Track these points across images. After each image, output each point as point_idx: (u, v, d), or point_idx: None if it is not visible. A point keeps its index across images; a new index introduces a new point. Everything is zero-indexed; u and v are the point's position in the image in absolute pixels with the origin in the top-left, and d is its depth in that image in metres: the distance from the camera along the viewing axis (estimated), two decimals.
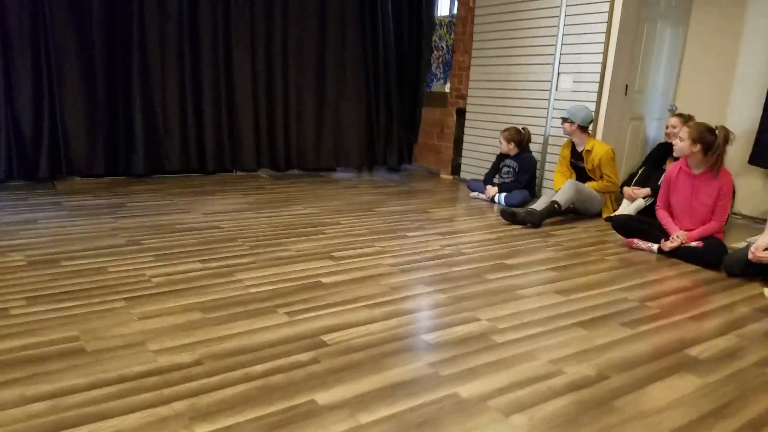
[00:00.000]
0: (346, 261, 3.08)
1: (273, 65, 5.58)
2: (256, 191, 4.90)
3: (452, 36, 6.03)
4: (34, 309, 2.31)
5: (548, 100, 5.02)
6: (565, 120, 4.40)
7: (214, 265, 2.93)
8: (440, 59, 6.26)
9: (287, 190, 5.05)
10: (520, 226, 4.05)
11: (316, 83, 5.84)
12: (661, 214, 3.55)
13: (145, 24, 4.88)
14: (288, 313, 2.37)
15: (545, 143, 5.07)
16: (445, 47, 6.19)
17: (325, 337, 2.15)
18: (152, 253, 3.07)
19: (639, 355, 2.11)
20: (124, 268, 2.83)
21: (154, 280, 2.69)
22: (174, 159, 5.22)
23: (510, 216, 4.08)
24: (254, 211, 4.14)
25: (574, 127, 4.36)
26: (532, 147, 5.03)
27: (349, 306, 2.46)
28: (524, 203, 4.72)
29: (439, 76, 6.30)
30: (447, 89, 6.16)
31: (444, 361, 1.98)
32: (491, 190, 4.92)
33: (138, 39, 4.85)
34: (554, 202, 4.13)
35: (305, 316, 2.35)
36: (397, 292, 2.63)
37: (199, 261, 2.98)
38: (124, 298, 2.45)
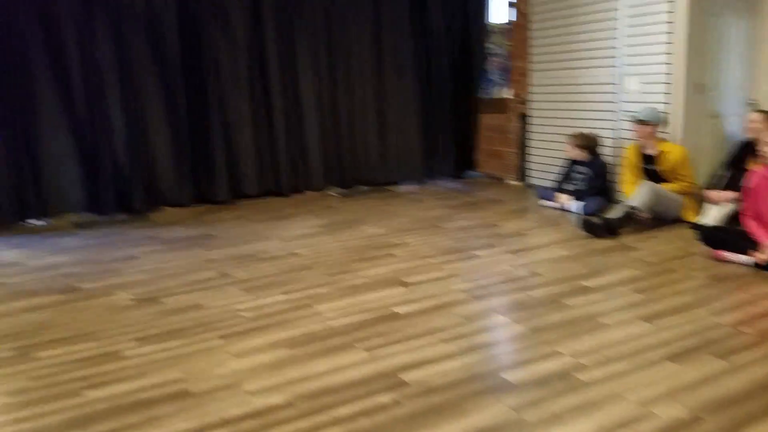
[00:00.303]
0: (418, 287, 3.10)
1: (336, 82, 5.72)
2: (327, 212, 5.00)
3: (509, 42, 5.93)
4: (144, 350, 2.47)
5: (615, 102, 4.84)
6: (643, 123, 4.22)
7: (295, 296, 3.03)
8: (499, 65, 6.17)
9: (355, 208, 5.13)
10: (599, 239, 3.92)
11: (375, 98, 5.92)
12: (750, 224, 3.35)
13: (219, 62, 5.13)
14: (366, 349, 2.41)
15: (616, 147, 4.90)
16: (502, 53, 6.09)
17: (404, 376, 2.18)
18: (241, 286, 3.20)
19: (735, 392, 2.01)
20: (218, 303, 2.97)
21: (245, 314, 2.81)
22: (252, 184, 5.45)
23: (591, 228, 3.95)
24: (327, 234, 4.23)
25: (652, 129, 4.20)
26: (601, 151, 4.86)
27: (425, 340, 2.47)
28: (601, 210, 4.56)
29: (498, 82, 6.21)
30: (508, 95, 6.06)
31: (527, 404, 1.96)
32: (563, 198, 4.80)
33: (213, 75, 5.11)
34: (632, 207, 3.99)
35: (383, 351, 2.38)
36: (472, 323, 2.62)
37: (281, 292, 3.09)
38: (220, 336, 2.59)
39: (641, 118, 4.25)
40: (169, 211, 5.13)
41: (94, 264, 3.67)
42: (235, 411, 1.99)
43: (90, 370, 2.31)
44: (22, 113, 4.52)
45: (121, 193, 4.95)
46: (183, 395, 2.11)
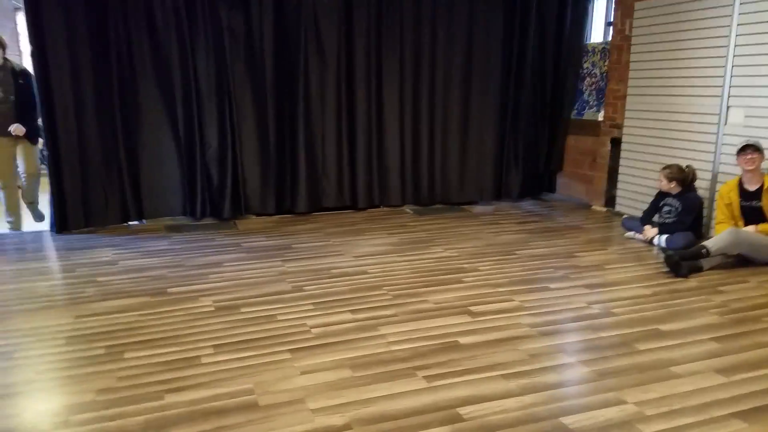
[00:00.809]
0: (484, 318, 3.09)
1: (419, 103, 5.78)
2: (400, 229, 5.07)
3: (606, 63, 5.75)
4: (220, 358, 2.64)
5: (716, 134, 4.58)
6: (756, 150, 3.98)
7: (361, 316, 3.12)
8: (593, 86, 6.00)
9: (429, 227, 5.15)
10: (683, 279, 3.74)
11: (459, 117, 5.93)
12: None
13: (309, 81, 5.34)
14: (426, 378, 2.44)
15: (713, 180, 4.63)
16: (598, 74, 5.91)
17: (461, 410, 2.20)
18: (312, 301, 3.34)
19: None
20: (290, 316, 3.12)
21: (314, 330, 2.93)
22: (331, 197, 5.64)
23: (674, 266, 3.78)
24: (397, 254, 4.29)
25: (761, 160, 3.97)
26: (697, 185, 4.61)
27: (485, 374, 2.47)
28: (688, 247, 4.33)
29: (591, 103, 6.03)
30: (600, 117, 5.88)
31: None
32: (650, 231, 4.59)
33: (303, 93, 5.32)
34: (703, 246, 3.82)
35: (442, 382, 2.41)
36: (536, 361, 2.59)
37: (349, 311, 3.18)
38: (289, 350, 2.72)
39: (755, 144, 3.99)
40: (254, 220, 5.40)
41: (182, 268, 3.94)
42: (297, 428, 2.09)
43: (171, 374, 2.49)
44: (128, 123, 4.93)
45: (212, 201, 5.27)
46: (251, 407, 2.24)
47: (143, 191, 5.09)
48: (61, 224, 4.80)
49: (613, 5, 5.66)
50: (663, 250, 4.24)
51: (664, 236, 4.46)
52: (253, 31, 5.12)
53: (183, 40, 4.91)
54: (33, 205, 5.05)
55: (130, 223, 5.14)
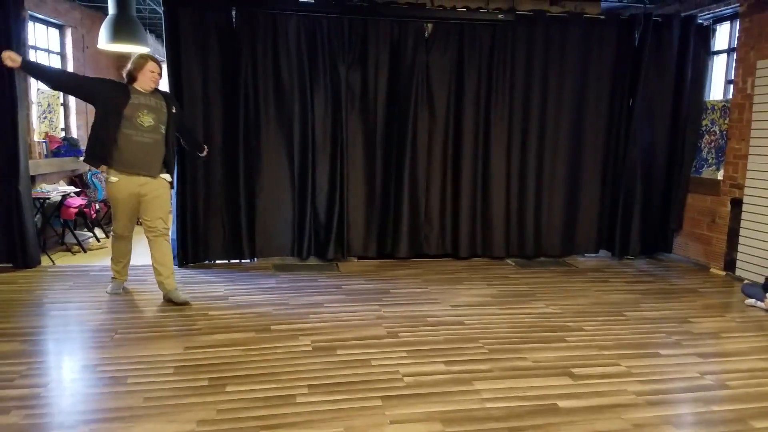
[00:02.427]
0: (586, 381, 2.95)
1: (526, 156, 5.72)
2: (502, 281, 4.98)
3: (726, 121, 5.45)
4: (314, 399, 2.72)
5: None
6: None
7: (456, 368, 3.08)
8: (712, 144, 5.67)
9: (531, 281, 5.02)
10: None
11: (566, 170, 5.79)
12: None
13: (417, 131, 5.50)
14: None
15: None
16: (717, 132, 5.60)
17: None
18: (406, 348, 3.36)
19: None
20: (384, 362, 3.15)
21: (406, 379, 2.94)
22: (432, 244, 5.69)
23: None
24: (497, 306, 4.22)
25: None
26: None
27: None
28: None
29: (710, 161, 5.69)
30: (720, 176, 5.52)
31: None
32: None
33: (411, 143, 5.48)
34: None
35: None
36: None
37: (443, 362, 3.16)
38: (381, 397, 2.74)
39: None
40: (355, 263, 5.54)
41: (286, 306, 4.11)
42: None
43: (267, 410, 2.60)
44: (250, 167, 5.29)
45: (318, 242, 5.49)
46: None
47: (257, 231, 5.39)
48: (182, 258, 5.20)
49: (734, 63, 5.41)
50: None
51: None
52: (369, 86, 5.40)
53: (305, 92, 5.26)
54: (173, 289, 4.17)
55: (243, 260, 5.45)
